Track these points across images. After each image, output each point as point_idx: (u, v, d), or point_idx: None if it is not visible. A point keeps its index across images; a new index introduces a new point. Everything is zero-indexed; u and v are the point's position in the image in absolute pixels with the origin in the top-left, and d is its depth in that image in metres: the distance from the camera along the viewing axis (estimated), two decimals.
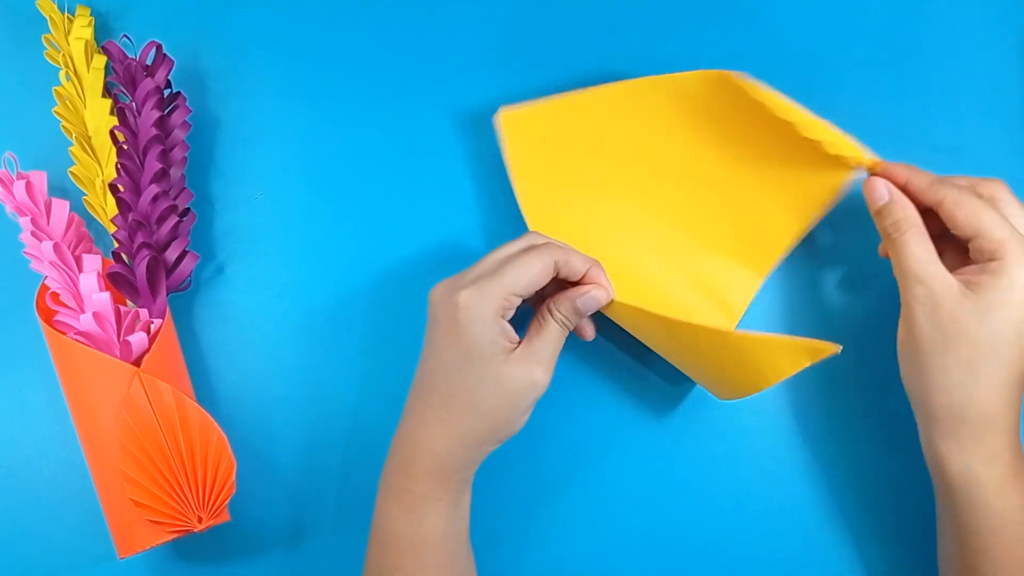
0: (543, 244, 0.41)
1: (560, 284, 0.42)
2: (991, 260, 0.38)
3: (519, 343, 0.40)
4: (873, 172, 0.43)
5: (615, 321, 0.45)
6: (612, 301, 0.42)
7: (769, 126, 0.45)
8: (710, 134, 0.48)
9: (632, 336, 0.46)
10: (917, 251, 0.39)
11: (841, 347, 0.38)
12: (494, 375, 0.38)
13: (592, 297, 0.41)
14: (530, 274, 0.39)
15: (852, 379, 0.48)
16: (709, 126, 0.48)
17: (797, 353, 0.39)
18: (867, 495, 0.47)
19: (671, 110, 0.48)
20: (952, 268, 0.39)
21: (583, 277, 0.41)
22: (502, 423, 0.39)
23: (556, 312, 0.41)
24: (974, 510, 0.38)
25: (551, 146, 0.49)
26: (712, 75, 0.47)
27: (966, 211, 0.39)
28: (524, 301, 0.41)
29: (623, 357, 0.49)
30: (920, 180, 0.41)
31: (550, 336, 0.40)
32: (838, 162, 0.44)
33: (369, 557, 0.41)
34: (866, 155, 0.43)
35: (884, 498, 0.47)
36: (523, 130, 0.49)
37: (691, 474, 0.47)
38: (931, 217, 0.41)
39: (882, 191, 0.41)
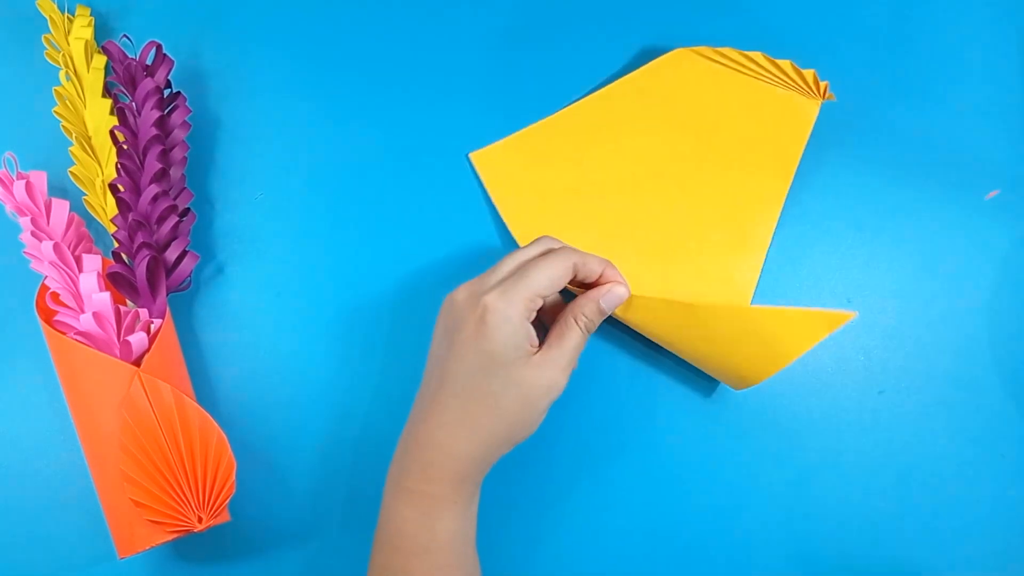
0: (560, 248, 0.42)
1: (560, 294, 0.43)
2: None
3: (539, 347, 0.40)
4: (816, 89, 0.46)
5: (628, 323, 0.45)
6: (631, 297, 0.43)
7: (730, 91, 0.47)
8: (678, 122, 0.49)
9: (641, 338, 0.46)
10: None
11: (857, 313, 0.39)
12: (516, 378, 0.39)
13: (614, 294, 0.42)
14: (553, 276, 0.40)
15: (863, 374, 0.48)
16: (675, 114, 0.49)
17: (815, 323, 0.40)
18: (878, 491, 0.47)
19: (636, 109, 0.50)
20: None
21: (599, 278, 0.42)
22: (520, 426, 0.40)
23: (581, 316, 0.41)
24: None
25: (529, 173, 0.50)
26: (667, 58, 0.49)
27: None
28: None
29: (632, 357, 0.49)
30: None
31: (571, 341, 0.40)
32: (802, 103, 0.46)
33: (374, 558, 0.41)
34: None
35: (893, 494, 0.47)
36: (497, 165, 0.51)
37: (701, 474, 0.47)
38: None
39: None
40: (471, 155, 0.51)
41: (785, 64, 0.48)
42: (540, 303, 0.40)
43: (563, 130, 0.51)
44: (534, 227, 0.49)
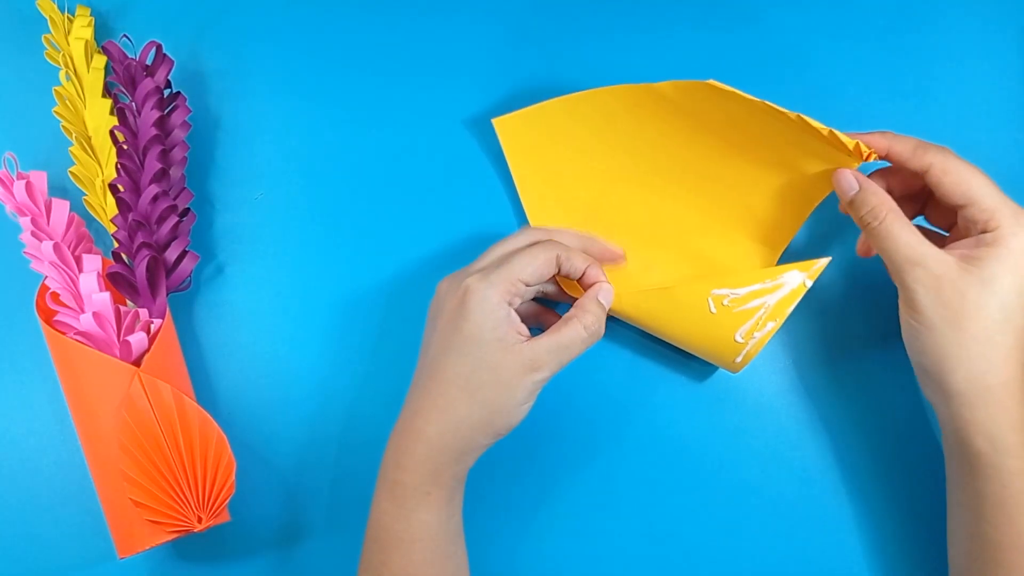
0: (546, 240, 0.43)
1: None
2: (984, 231, 0.38)
3: (529, 337, 0.40)
4: (856, 154, 0.44)
5: (623, 318, 0.45)
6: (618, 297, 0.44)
7: (759, 126, 0.45)
8: (704, 135, 0.48)
9: (639, 331, 0.46)
10: (903, 235, 0.39)
11: (831, 258, 0.43)
12: (491, 361, 0.39)
13: (607, 291, 0.43)
14: (536, 263, 0.40)
15: (861, 360, 0.48)
16: (702, 128, 0.48)
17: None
18: (882, 479, 0.47)
19: (663, 113, 0.49)
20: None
21: (583, 275, 0.43)
22: (498, 414, 0.39)
23: (584, 314, 0.41)
24: (1002, 480, 0.37)
25: (547, 146, 0.50)
26: (695, 85, 0.47)
27: (955, 178, 0.39)
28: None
29: (629, 350, 0.49)
30: (903, 147, 0.41)
31: (563, 336, 0.40)
32: (831, 154, 0.44)
33: (363, 552, 0.41)
34: (851, 143, 0.43)
35: (898, 478, 0.47)
36: (518, 134, 0.50)
37: (700, 470, 0.47)
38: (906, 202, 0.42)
39: (851, 181, 0.42)
40: (494, 121, 0.50)
41: (851, 142, 0.44)
42: (522, 289, 0.40)
43: (590, 110, 0.49)
44: (546, 202, 0.49)
